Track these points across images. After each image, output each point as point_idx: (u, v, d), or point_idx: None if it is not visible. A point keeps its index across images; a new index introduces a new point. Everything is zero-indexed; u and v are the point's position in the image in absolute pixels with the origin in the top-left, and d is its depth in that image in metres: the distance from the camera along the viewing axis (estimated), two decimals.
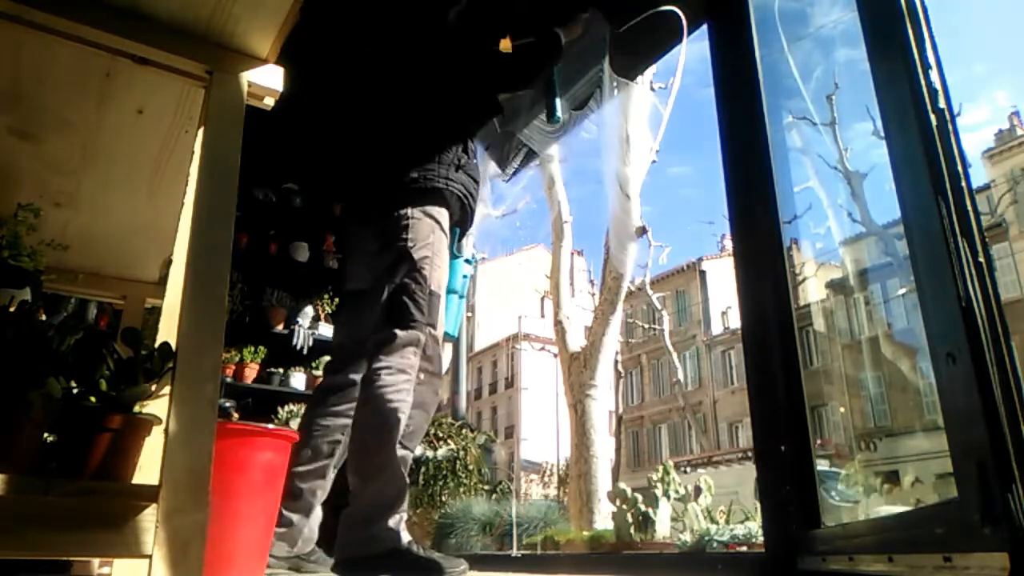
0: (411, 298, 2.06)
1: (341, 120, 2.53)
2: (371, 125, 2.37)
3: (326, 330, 4.29)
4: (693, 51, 2.71)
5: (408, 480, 2.06)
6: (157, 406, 0.87)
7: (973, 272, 0.99)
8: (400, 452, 1.99)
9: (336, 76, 3.29)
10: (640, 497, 3.68)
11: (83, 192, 1.50)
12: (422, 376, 2.10)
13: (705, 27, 2.13)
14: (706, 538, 3.20)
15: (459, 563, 1.97)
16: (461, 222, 2.31)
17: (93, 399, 0.84)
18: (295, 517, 2.05)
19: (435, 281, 2.12)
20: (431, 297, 2.09)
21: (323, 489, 2.15)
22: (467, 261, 2.48)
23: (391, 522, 1.93)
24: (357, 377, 2.15)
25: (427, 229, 2.14)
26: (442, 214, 2.19)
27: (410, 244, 2.10)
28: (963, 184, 1.04)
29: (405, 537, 1.95)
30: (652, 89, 8.75)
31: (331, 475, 2.17)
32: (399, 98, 2.32)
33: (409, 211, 2.13)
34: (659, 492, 3.61)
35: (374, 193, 2.24)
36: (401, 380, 2.00)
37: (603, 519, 7.22)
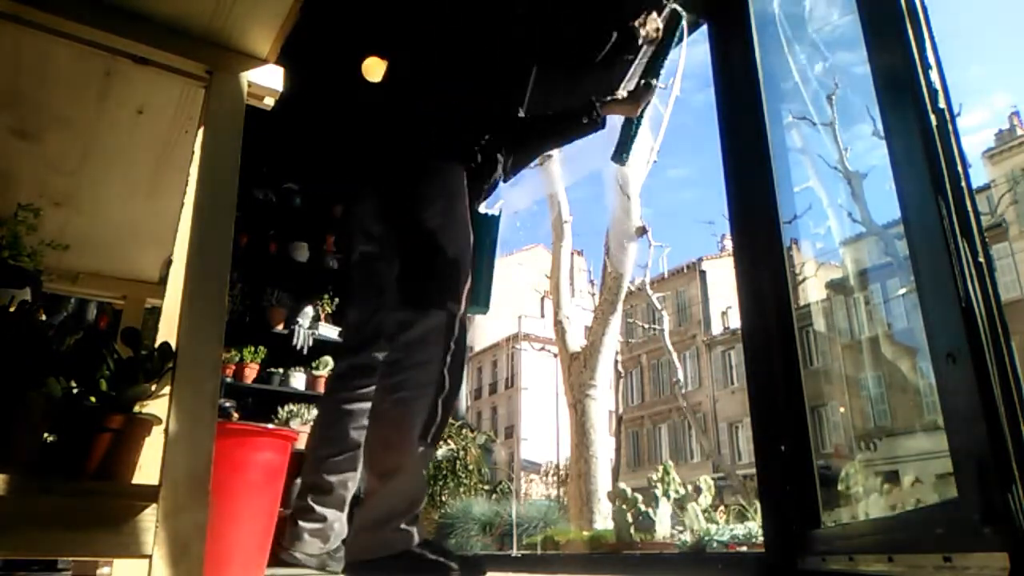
0: (428, 271, 1.83)
1: (351, 95, 2.38)
2: (396, 94, 2.18)
3: (326, 330, 4.29)
4: (692, 55, 2.71)
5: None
6: (157, 406, 0.87)
7: (973, 272, 0.99)
8: (421, 449, 1.79)
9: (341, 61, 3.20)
10: (640, 497, 3.69)
11: (83, 192, 1.50)
12: (448, 360, 1.83)
13: (705, 28, 2.13)
14: (706, 538, 3.20)
15: (478, 565, 1.83)
16: (482, 178, 2.03)
17: (93, 399, 0.84)
18: (329, 513, 1.88)
19: (452, 247, 1.83)
20: (449, 268, 1.83)
21: (354, 481, 1.96)
22: (493, 217, 2.20)
23: (404, 523, 1.76)
24: (380, 356, 1.93)
25: (436, 188, 1.88)
26: (455, 171, 1.92)
27: (419, 207, 1.85)
28: (963, 184, 1.04)
29: (418, 537, 1.78)
30: None
31: (360, 466, 1.96)
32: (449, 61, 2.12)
33: (419, 169, 1.88)
34: (659, 492, 3.61)
35: (385, 149, 1.99)
36: (421, 374, 1.79)
37: (603, 519, 7.21)
